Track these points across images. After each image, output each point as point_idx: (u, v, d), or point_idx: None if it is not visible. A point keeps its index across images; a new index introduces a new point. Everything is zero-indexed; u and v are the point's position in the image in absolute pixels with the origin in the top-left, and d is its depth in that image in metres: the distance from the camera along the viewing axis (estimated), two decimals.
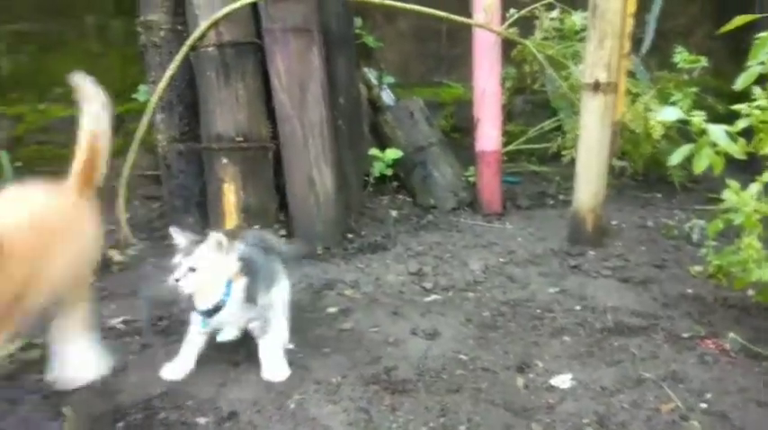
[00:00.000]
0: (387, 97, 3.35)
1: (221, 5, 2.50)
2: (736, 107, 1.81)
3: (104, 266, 2.28)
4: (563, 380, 1.61)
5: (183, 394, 1.55)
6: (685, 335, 1.83)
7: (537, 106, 3.63)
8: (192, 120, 2.71)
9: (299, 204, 2.62)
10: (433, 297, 2.16)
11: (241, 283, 1.59)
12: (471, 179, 3.18)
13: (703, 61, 3.04)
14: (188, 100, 2.70)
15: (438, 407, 1.50)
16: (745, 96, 1.82)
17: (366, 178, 3.13)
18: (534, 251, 2.54)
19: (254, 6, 2.55)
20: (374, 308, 2.06)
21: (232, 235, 1.64)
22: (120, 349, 1.75)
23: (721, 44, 3.31)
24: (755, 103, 1.78)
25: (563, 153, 3.16)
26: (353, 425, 1.44)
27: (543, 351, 1.76)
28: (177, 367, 1.62)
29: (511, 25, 3.00)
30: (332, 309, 2.05)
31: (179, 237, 1.56)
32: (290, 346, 1.77)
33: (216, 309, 1.57)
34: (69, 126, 3.08)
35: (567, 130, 3.20)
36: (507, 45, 3.03)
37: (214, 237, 1.52)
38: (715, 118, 1.82)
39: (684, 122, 1.86)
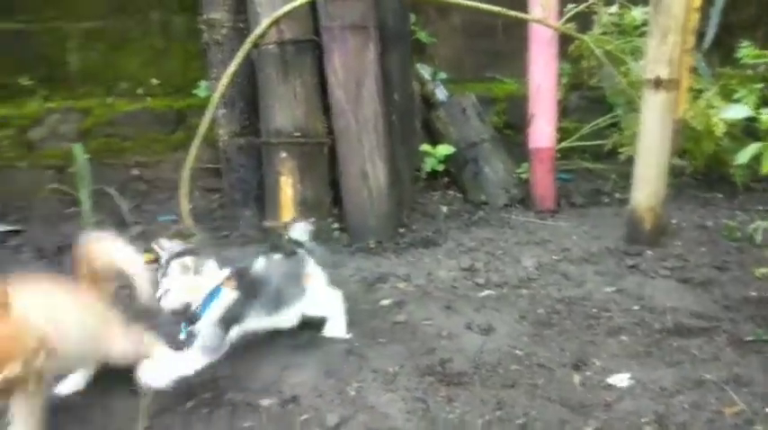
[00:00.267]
0: (440, 93, 3.35)
1: (282, 4, 2.56)
2: None
3: None
4: (621, 379, 1.59)
5: (248, 376, 1.63)
6: (749, 338, 1.78)
7: (592, 102, 3.56)
8: (251, 115, 2.79)
9: (352, 198, 2.67)
10: (486, 292, 2.16)
11: (229, 297, 1.60)
12: (523, 176, 3.15)
13: None
14: (248, 96, 2.77)
15: (494, 400, 1.52)
16: None
17: (417, 173, 3.15)
18: (589, 249, 2.51)
19: (312, 4, 2.60)
20: (427, 301, 2.09)
21: (197, 253, 1.63)
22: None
23: None
24: None
25: (620, 150, 3.10)
26: (411, 413, 1.47)
27: (600, 349, 1.75)
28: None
29: (568, 20, 2.96)
30: (385, 302, 2.09)
31: (161, 251, 1.61)
32: (348, 336, 1.82)
33: (191, 320, 1.58)
34: (133, 120, 3.28)
35: (624, 127, 3.13)
36: (564, 40, 2.99)
37: (178, 262, 1.56)
38: None
39: (750, 120, 1.81)
